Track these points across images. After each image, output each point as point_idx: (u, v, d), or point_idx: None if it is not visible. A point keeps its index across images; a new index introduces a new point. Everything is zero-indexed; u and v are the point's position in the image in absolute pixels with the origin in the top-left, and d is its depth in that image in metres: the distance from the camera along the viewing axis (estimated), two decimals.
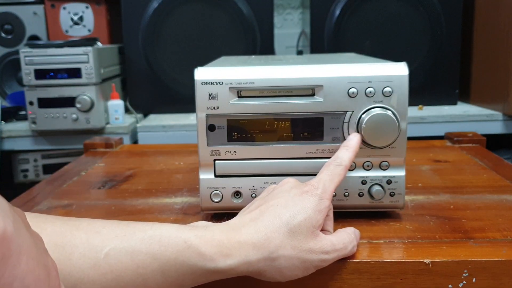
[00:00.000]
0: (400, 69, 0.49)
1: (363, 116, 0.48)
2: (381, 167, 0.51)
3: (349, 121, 0.49)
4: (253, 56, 0.79)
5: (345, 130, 0.49)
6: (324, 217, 0.43)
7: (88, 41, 1.45)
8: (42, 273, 0.25)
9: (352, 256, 0.44)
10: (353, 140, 0.48)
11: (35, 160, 1.59)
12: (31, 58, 1.34)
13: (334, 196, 0.51)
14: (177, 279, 0.38)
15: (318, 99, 0.49)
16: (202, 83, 0.49)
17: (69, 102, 1.37)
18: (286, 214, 0.41)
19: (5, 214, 0.24)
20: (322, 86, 0.48)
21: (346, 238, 0.43)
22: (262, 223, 0.41)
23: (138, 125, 1.42)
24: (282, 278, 0.40)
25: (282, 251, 0.40)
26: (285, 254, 0.40)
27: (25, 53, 1.34)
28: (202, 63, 0.54)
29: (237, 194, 0.52)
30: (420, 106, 1.52)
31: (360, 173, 0.51)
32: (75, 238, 0.38)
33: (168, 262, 0.37)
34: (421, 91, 1.50)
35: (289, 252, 0.40)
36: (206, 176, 0.51)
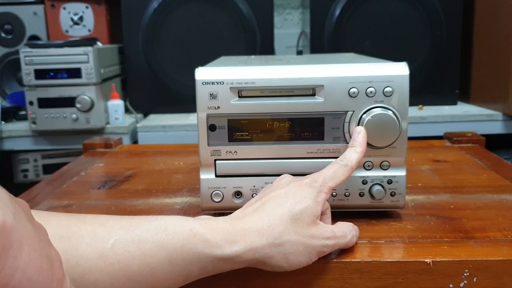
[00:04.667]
0: (400, 69, 0.49)
1: (363, 116, 0.48)
2: (381, 167, 0.51)
3: (349, 121, 0.49)
4: (253, 56, 0.79)
5: (346, 130, 0.49)
6: (321, 209, 0.43)
7: (88, 41, 1.45)
8: (44, 264, 0.25)
9: (353, 256, 0.44)
10: (359, 138, 0.48)
11: (35, 160, 1.59)
12: (31, 58, 1.34)
13: (334, 196, 0.51)
14: (185, 268, 0.38)
15: (318, 99, 0.49)
16: (203, 83, 0.49)
17: (69, 102, 1.37)
18: (288, 202, 0.42)
19: (4, 205, 0.23)
20: (323, 86, 0.48)
21: (345, 228, 0.45)
22: (264, 211, 0.42)
23: (138, 125, 1.42)
24: (287, 265, 0.41)
25: (286, 236, 0.40)
26: (290, 239, 0.40)
27: (25, 53, 1.34)
28: (202, 63, 0.54)
29: (238, 194, 0.52)
30: (420, 106, 1.52)
31: (361, 173, 0.51)
32: (80, 230, 0.38)
33: (175, 251, 0.38)
34: (421, 91, 1.50)
35: (293, 238, 0.40)
36: (206, 176, 0.51)
